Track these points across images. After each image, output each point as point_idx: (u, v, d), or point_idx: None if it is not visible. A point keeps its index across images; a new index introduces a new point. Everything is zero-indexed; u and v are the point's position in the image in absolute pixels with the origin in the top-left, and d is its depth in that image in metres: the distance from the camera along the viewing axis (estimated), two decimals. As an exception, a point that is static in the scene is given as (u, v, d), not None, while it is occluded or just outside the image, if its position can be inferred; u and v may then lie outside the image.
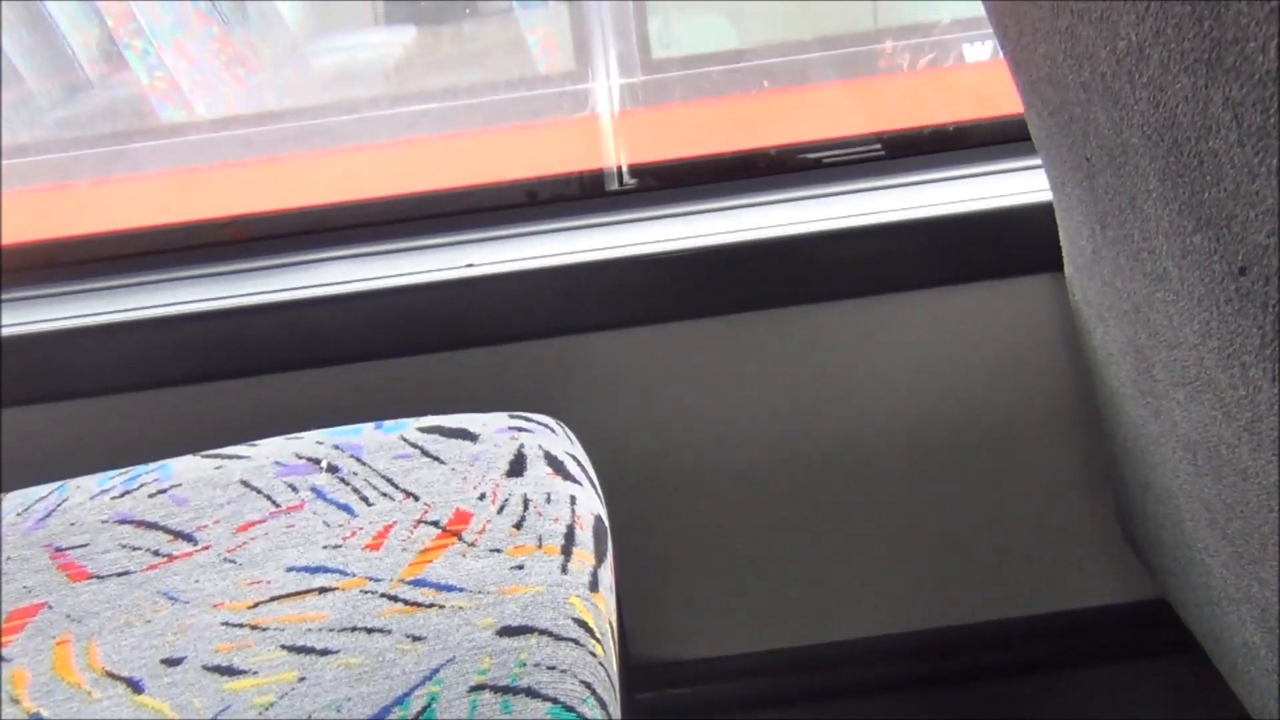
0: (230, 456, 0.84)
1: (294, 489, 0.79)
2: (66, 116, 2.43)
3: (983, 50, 1.89)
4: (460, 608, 0.67)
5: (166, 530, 0.77)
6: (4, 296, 1.05)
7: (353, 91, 2.54)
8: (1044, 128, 0.69)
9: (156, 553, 0.76)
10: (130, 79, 2.04)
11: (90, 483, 0.84)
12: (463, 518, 0.75)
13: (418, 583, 0.69)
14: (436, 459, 0.81)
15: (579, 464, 0.82)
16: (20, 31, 2.40)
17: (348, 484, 0.79)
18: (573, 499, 0.77)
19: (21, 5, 2.43)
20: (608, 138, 1.88)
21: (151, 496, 0.80)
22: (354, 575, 0.71)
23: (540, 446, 0.82)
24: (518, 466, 0.79)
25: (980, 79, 1.75)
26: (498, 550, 0.71)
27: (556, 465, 0.80)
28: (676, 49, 2.07)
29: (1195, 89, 0.45)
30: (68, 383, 0.99)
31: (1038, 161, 0.78)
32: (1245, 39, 0.39)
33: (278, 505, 0.78)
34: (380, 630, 0.66)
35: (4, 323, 1.00)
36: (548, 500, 0.76)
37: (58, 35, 2.51)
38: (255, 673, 0.64)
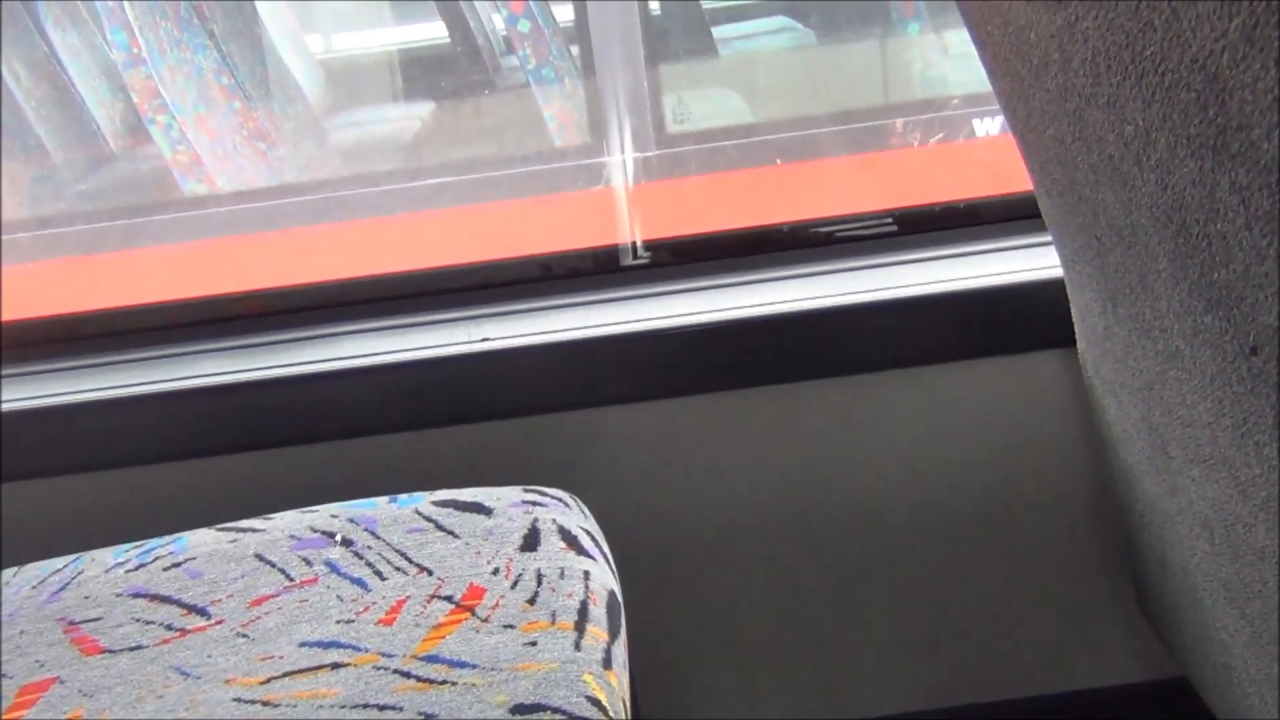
0: (245, 530, 0.84)
1: (308, 563, 0.79)
2: (89, 189, 2.47)
3: (993, 125, 1.92)
4: (473, 685, 0.66)
5: (180, 604, 0.77)
6: (24, 370, 1.06)
7: (371, 165, 2.59)
8: (1054, 206, 0.70)
9: (170, 627, 0.75)
10: (153, 152, 2.08)
11: (106, 555, 0.84)
12: (476, 593, 0.75)
13: (430, 659, 0.69)
14: (450, 533, 0.81)
15: (593, 538, 0.82)
16: (47, 108, 2.45)
17: (361, 558, 0.79)
18: (586, 574, 0.77)
19: (47, 82, 2.48)
20: (622, 211, 1.90)
21: (166, 570, 0.81)
22: (367, 651, 0.71)
23: (554, 521, 0.82)
24: (531, 541, 0.79)
25: (990, 155, 1.77)
26: (511, 626, 0.71)
27: (570, 540, 0.80)
28: (690, 124, 2.11)
29: (1202, 173, 0.45)
30: (86, 455, 1.00)
31: (1049, 238, 0.79)
32: (1250, 126, 0.40)
33: (292, 579, 0.78)
34: (392, 708, 0.66)
35: (24, 395, 1.01)
36: (561, 575, 0.76)
37: (83, 110, 2.57)
38: (266, 750, 0.64)
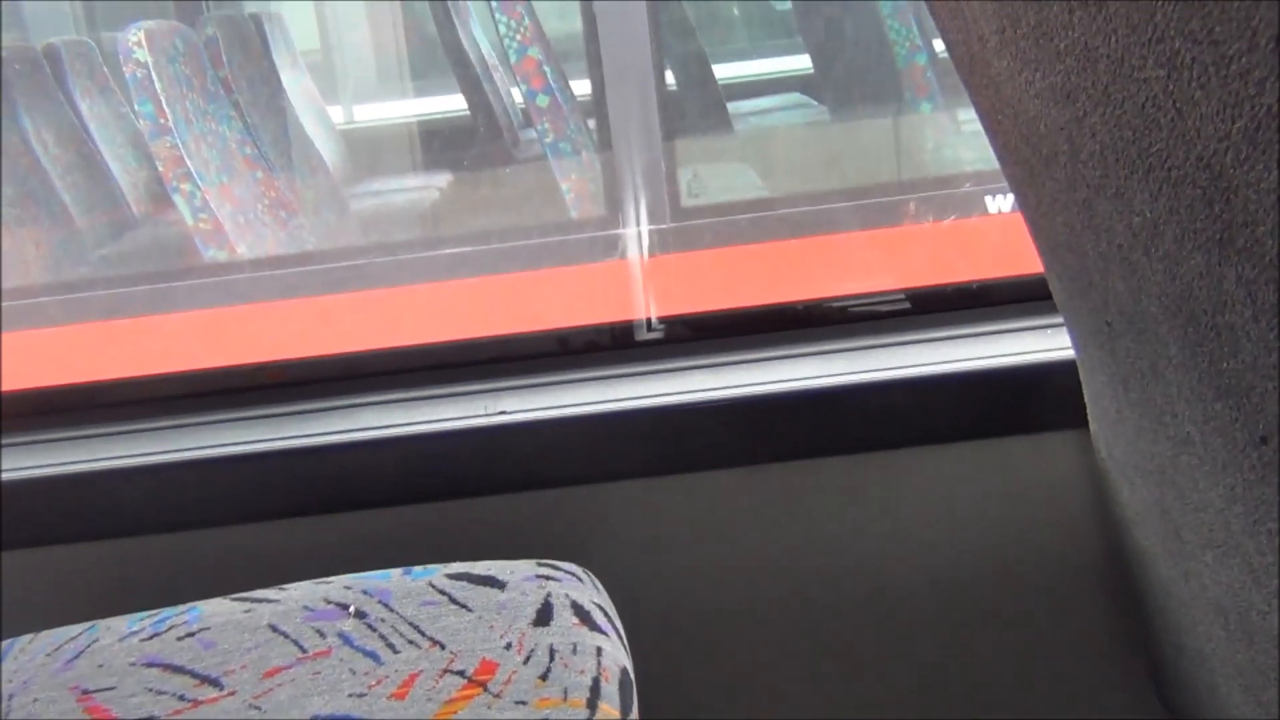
0: (260, 600, 0.84)
1: (321, 635, 0.80)
2: (111, 254, 2.51)
3: (1004, 202, 1.94)
4: (484, 762, 0.66)
5: (193, 674, 0.77)
6: (42, 436, 1.07)
7: (389, 235, 2.62)
8: (1064, 290, 0.71)
9: (182, 698, 0.75)
10: (175, 218, 2.12)
11: (120, 624, 0.84)
12: (488, 668, 0.75)
13: (442, 735, 0.69)
14: (464, 606, 0.81)
15: (606, 614, 0.82)
16: (73, 174, 2.50)
17: (375, 630, 0.80)
18: (599, 650, 0.77)
19: (74, 149, 2.53)
20: (637, 284, 1.92)
21: (180, 639, 0.81)
22: (378, 725, 0.71)
23: (567, 596, 0.82)
24: (544, 616, 0.79)
25: (1001, 234, 1.79)
26: (523, 702, 0.71)
27: (583, 615, 0.80)
28: (705, 198, 2.14)
29: (1209, 266, 0.46)
30: (104, 523, 1.00)
31: (1061, 320, 0.80)
32: (1254, 223, 0.41)
33: (305, 651, 0.78)
34: (403, 784, 0.65)
35: (41, 463, 1.02)
36: (574, 651, 0.76)
37: (108, 177, 2.61)
38: (276, 826, 0.64)
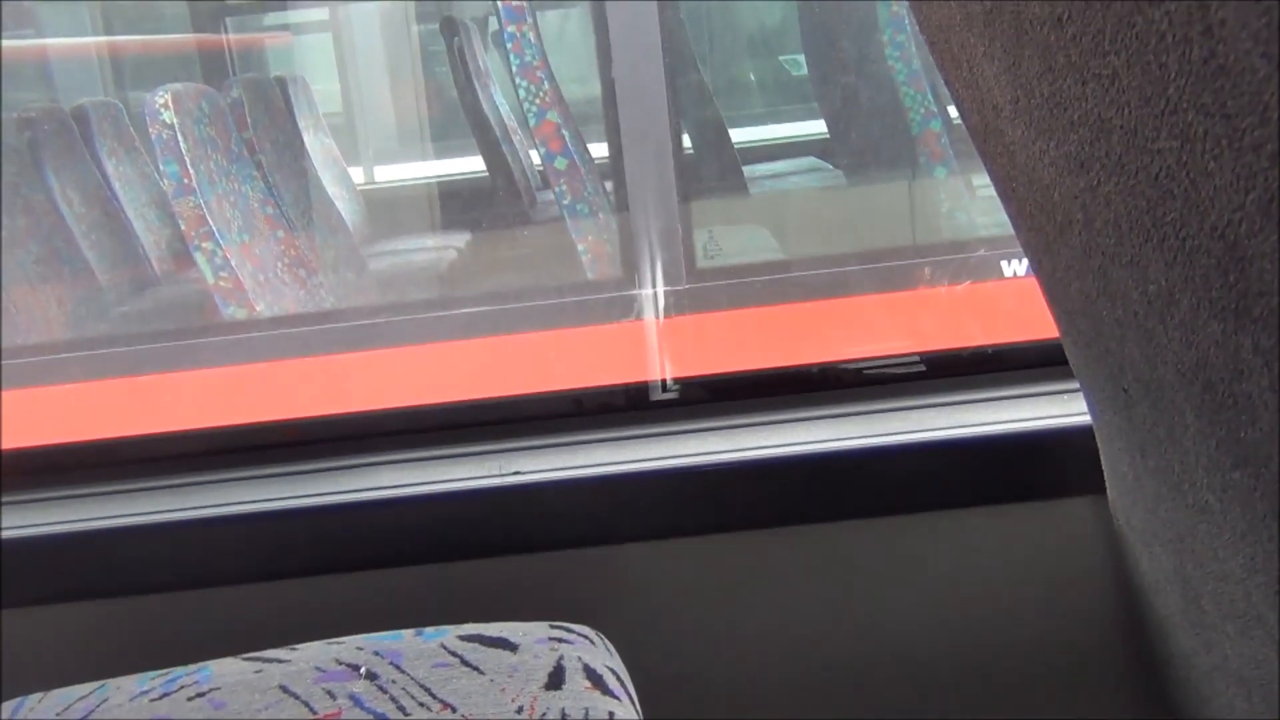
0: (271, 660, 0.84)
1: (332, 696, 0.79)
2: (132, 311, 2.54)
3: (1019, 266, 1.94)
4: (494, 829, 0.65)
5: (202, 735, 0.77)
6: (53, 494, 1.08)
7: (407, 294, 2.64)
8: (1080, 356, 0.71)
9: (190, 759, 0.75)
10: (195, 276, 2.14)
11: (130, 684, 0.84)
12: (499, 732, 0.74)
13: (451, 800, 0.68)
14: (475, 669, 0.80)
15: (618, 678, 0.81)
16: (97, 233, 2.53)
17: (386, 692, 0.79)
18: (611, 715, 0.76)
19: (98, 208, 2.57)
20: (652, 345, 1.92)
21: (190, 700, 0.80)
22: (387, 790, 0.70)
23: (579, 659, 0.81)
24: (556, 679, 0.79)
25: (1015, 298, 1.79)
26: (534, 768, 0.70)
27: (595, 679, 0.79)
28: (721, 259, 2.15)
29: (1225, 335, 0.46)
30: (115, 581, 1.00)
31: (1078, 385, 0.80)
32: (1270, 293, 0.41)
33: (315, 712, 0.78)
34: None
35: (57, 520, 1.02)
36: (586, 716, 0.75)
37: (130, 235, 2.64)
38: None
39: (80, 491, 1.09)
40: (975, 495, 1.00)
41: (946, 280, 1.87)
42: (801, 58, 3.13)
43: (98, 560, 1.01)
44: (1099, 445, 0.81)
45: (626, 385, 1.13)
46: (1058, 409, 1.01)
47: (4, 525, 1.01)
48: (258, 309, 2.09)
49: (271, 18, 3.38)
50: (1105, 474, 0.83)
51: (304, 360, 1.91)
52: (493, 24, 3.12)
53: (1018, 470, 0.99)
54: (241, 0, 3.06)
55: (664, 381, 1.12)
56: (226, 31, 3.01)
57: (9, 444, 1.15)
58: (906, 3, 0.57)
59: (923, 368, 1.09)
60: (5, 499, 1.06)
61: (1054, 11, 0.47)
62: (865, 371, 1.10)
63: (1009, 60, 0.56)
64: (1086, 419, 0.83)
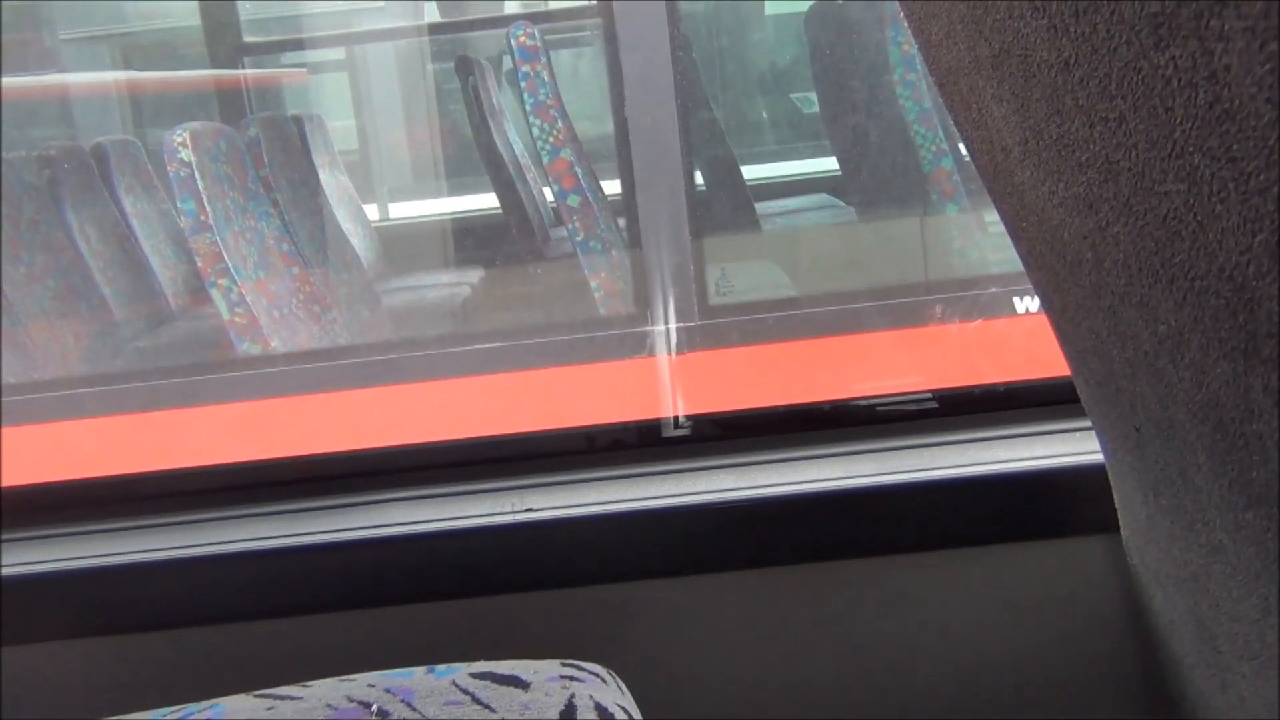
0: (282, 697, 0.84)
1: (343, 733, 0.79)
2: (148, 346, 2.55)
3: (1031, 303, 1.94)
4: None
5: (213, 773, 0.77)
6: (73, 530, 1.08)
7: (420, 329, 2.65)
8: (1092, 395, 0.71)
9: (201, 796, 0.75)
10: (211, 311, 2.16)
11: None
12: (510, 771, 0.74)
13: (462, 840, 0.68)
14: (487, 707, 0.80)
15: (629, 716, 0.81)
16: (114, 269, 2.55)
17: (396, 730, 0.79)
18: (622, 754, 0.75)
19: (116, 244, 2.59)
20: (665, 381, 1.93)
21: (201, 736, 0.80)
22: (398, 829, 0.70)
23: (591, 697, 0.81)
24: (568, 717, 0.78)
25: (1027, 336, 1.79)
26: (545, 808, 0.70)
27: (607, 717, 0.79)
28: (733, 296, 2.16)
29: (1235, 375, 0.46)
30: (127, 617, 1.01)
31: (1090, 424, 0.80)
32: (1279, 334, 0.42)
33: (325, 750, 0.78)
34: None
35: (70, 556, 1.03)
36: (597, 755, 0.75)
37: (147, 271, 2.67)
38: None
39: (89, 528, 1.09)
40: (988, 533, 0.99)
41: (958, 317, 1.87)
42: (813, 95, 3.16)
43: (108, 596, 1.01)
44: (1112, 483, 0.81)
45: (639, 422, 1.13)
46: (1070, 447, 1.01)
47: (39, 559, 1.02)
48: (272, 344, 2.10)
49: (289, 56, 3.43)
50: (1119, 513, 0.83)
51: (317, 396, 1.92)
52: (507, 63, 3.15)
53: (1031, 508, 0.99)
54: (259, 39, 3.10)
55: (676, 418, 1.12)
56: (244, 69, 3.05)
57: (36, 479, 1.15)
58: (916, 44, 0.58)
59: (935, 405, 1.09)
60: (24, 534, 1.07)
61: (1061, 55, 0.48)
62: (877, 409, 1.10)
63: (1017, 103, 0.56)
64: (1099, 457, 0.83)
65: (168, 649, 1.01)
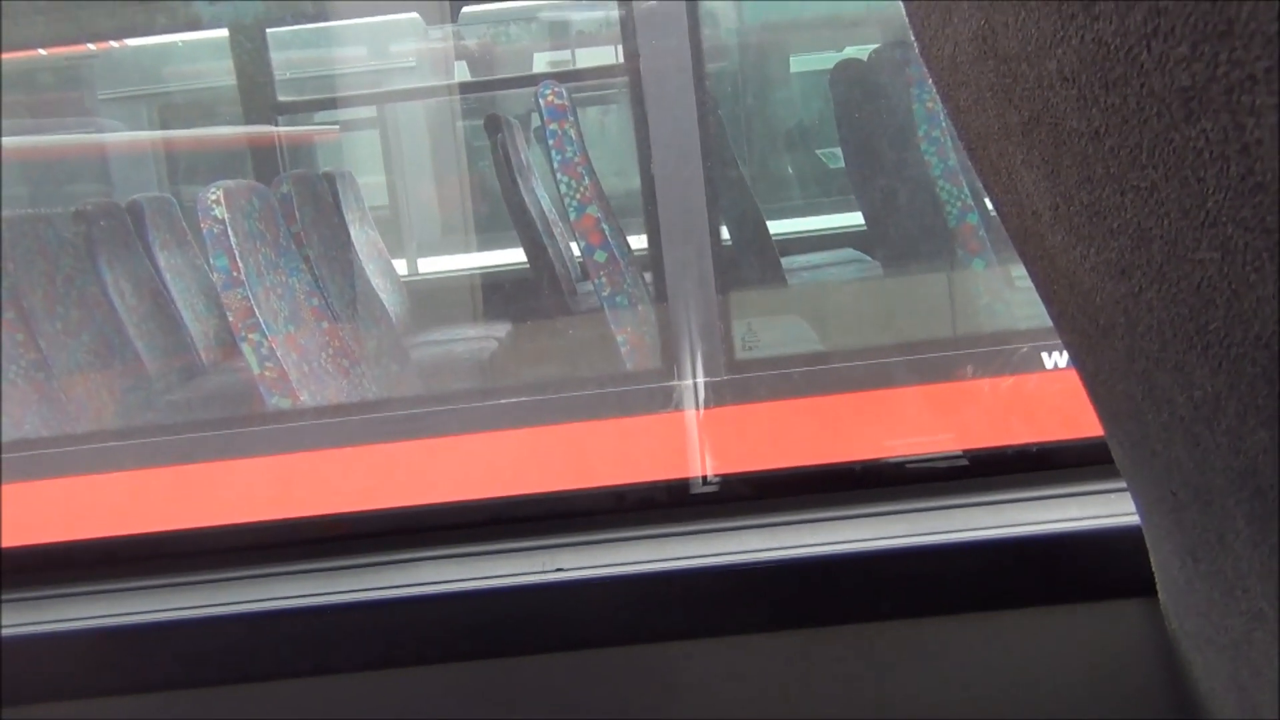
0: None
1: (371, 796, 0.78)
2: (179, 400, 2.58)
3: (1060, 359, 1.94)
4: None
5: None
6: (96, 588, 1.09)
7: (447, 383, 2.67)
8: (1127, 458, 0.70)
9: None
10: (241, 364, 2.18)
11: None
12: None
13: None
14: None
15: (659, 781, 0.80)
16: (148, 323, 2.59)
17: (425, 793, 0.78)
18: (652, 821, 0.75)
19: (149, 298, 2.63)
20: (692, 437, 1.93)
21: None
22: None
23: (620, 761, 0.80)
24: (597, 782, 0.78)
25: (1058, 395, 1.78)
26: None
27: (636, 782, 0.78)
28: (759, 351, 2.16)
29: (1273, 442, 0.46)
30: (155, 675, 1.01)
31: (1125, 485, 0.79)
32: (1319, 403, 0.41)
33: (353, 813, 0.77)
34: None
35: (92, 614, 1.03)
36: (627, 821, 0.74)
37: (180, 325, 2.70)
38: None
39: (119, 586, 1.10)
40: (1023, 596, 0.98)
41: (988, 373, 1.86)
42: (838, 150, 3.18)
43: (130, 655, 1.01)
44: (1149, 546, 0.80)
45: (668, 482, 1.13)
46: (1106, 508, 1.00)
47: (60, 617, 1.02)
48: (301, 398, 2.12)
49: (322, 114, 3.49)
50: (1156, 576, 0.82)
51: (343, 450, 1.93)
52: (535, 120, 3.20)
53: (1066, 570, 0.98)
54: (293, 99, 3.16)
55: (704, 477, 1.12)
56: (278, 126, 3.10)
57: (72, 535, 1.16)
58: (944, 108, 0.59)
59: (967, 464, 1.09)
60: (45, 592, 1.08)
61: (1091, 125, 0.48)
62: (908, 468, 1.09)
63: (1047, 169, 0.57)
64: (1136, 519, 0.82)
65: (194, 707, 1.01)
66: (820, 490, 1.08)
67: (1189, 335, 0.49)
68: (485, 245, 3.45)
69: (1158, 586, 0.82)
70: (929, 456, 1.10)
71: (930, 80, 0.60)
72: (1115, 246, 0.53)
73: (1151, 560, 0.81)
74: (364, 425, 1.96)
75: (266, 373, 2.11)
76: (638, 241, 2.28)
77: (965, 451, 1.09)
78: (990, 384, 1.86)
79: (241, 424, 2.04)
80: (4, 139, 2.67)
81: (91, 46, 3.14)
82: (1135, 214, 0.49)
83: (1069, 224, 0.58)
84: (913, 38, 0.59)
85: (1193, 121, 0.39)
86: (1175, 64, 0.39)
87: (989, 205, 2.56)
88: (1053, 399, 1.82)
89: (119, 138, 3.29)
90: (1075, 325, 0.66)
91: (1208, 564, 0.64)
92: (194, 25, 2.93)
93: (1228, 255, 0.42)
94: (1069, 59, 0.48)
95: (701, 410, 1.92)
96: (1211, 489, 0.57)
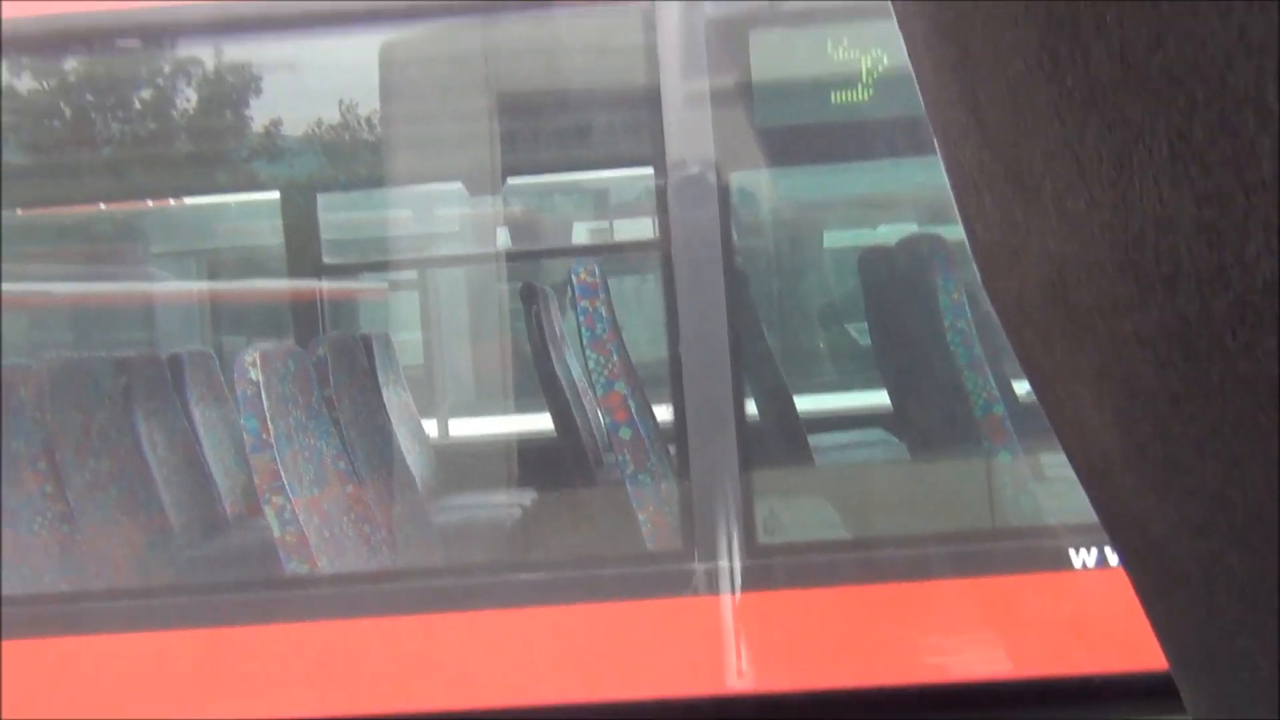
0: None
1: None
2: (199, 557, 2.55)
3: (1089, 557, 1.89)
4: None
5: None
6: None
7: (468, 553, 2.63)
8: (1202, 708, 0.68)
9: None
10: (265, 523, 2.16)
11: None
12: None
13: None
14: None
15: None
16: (178, 475, 2.58)
17: None
18: None
19: (180, 451, 2.63)
20: (712, 623, 1.88)
21: None
22: None
23: None
24: None
25: (1088, 594, 1.72)
26: None
27: None
28: (781, 534, 2.13)
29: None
30: None
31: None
32: None
33: None
34: None
35: None
36: None
37: (208, 480, 2.69)
38: None
39: None
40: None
41: (1017, 568, 1.82)
42: (865, 324, 3.21)
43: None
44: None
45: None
46: None
47: None
48: (319, 564, 2.09)
49: (365, 274, 3.57)
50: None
51: (354, 623, 1.89)
52: (569, 290, 3.25)
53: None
54: (338, 261, 3.24)
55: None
56: (322, 284, 3.16)
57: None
58: (1008, 340, 0.59)
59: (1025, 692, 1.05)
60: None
61: (1169, 389, 0.48)
62: (965, 692, 1.06)
63: (1119, 417, 0.56)
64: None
65: None
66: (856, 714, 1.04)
67: (1273, 606, 0.48)
68: (516, 409, 3.47)
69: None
70: (977, 683, 1.06)
71: (987, 308, 0.61)
72: (1193, 505, 0.52)
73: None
74: (376, 596, 1.94)
75: (287, 537, 2.09)
76: (664, 412, 2.28)
77: (1023, 681, 1.06)
78: (1019, 579, 1.81)
79: (251, 589, 2.02)
80: (58, 285, 2.73)
81: (150, 203, 3.25)
82: (1215, 479, 0.48)
83: (1140, 472, 0.57)
84: (976, 270, 0.60)
85: (1275, 407, 0.39)
86: (1264, 355, 0.39)
87: (1019, 388, 2.55)
88: (1075, 596, 1.76)
89: (167, 288, 3.37)
90: (1144, 567, 0.65)
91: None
92: (250, 186, 3.03)
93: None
94: (1147, 326, 0.48)
95: (721, 595, 1.88)
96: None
